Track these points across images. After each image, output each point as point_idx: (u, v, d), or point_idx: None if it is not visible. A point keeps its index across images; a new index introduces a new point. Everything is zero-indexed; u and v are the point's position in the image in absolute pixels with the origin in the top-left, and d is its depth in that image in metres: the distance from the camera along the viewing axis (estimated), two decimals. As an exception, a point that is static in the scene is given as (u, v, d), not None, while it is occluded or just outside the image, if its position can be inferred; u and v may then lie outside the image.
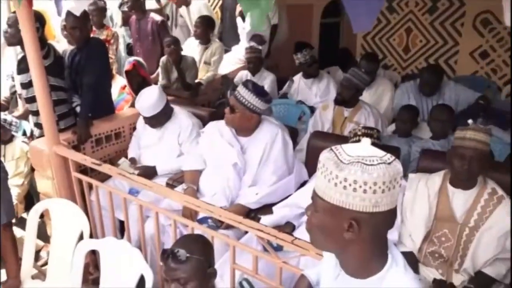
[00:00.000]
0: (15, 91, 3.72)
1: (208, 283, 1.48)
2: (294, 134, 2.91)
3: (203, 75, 4.08)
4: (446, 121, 2.81)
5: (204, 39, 4.24)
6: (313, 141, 2.74)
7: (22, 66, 2.90)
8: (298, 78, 4.15)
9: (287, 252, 2.06)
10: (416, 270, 2.05)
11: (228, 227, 2.25)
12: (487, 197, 1.96)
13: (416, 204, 2.09)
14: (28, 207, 3.34)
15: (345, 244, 1.02)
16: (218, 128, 2.63)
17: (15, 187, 3.24)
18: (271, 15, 4.89)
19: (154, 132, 3.00)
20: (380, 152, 1.01)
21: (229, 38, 4.98)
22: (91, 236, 2.32)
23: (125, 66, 3.59)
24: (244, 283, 1.99)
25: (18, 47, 3.07)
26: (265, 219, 2.32)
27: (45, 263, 3.03)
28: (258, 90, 2.48)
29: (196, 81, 3.98)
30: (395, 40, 4.89)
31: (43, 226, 3.04)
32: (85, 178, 2.59)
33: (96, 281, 2.23)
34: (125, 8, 4.54)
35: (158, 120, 2.93)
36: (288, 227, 2.31)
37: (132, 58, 3.65)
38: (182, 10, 4.97)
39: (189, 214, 2.37)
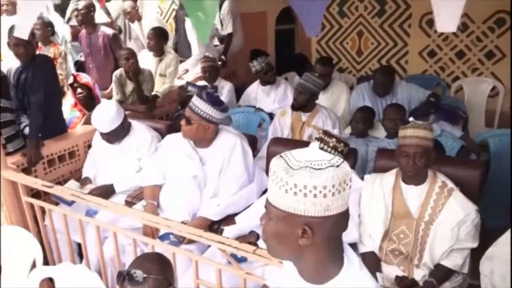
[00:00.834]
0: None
1: (169, 302, 1.44)
2: (254, 142, 2.91)
3: (159, 87, 4.02)
4: (398, 120, 2.90)
5: (158, 51, 4.20)
6: (272, 148, 2.74)
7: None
8: (255, 85, 4.18)
9: (252, 263, 2.05)
10: (378, 269, 2.09)
11: (192, 241, 2.21)
12: (438, 190, 2.03)
13: (373, 204, 2.14)
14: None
15: (301, 250, 1.02)
16: (176, 141, 2.61)
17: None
18: (226, 24, 4.91)
19: (111, 148, 2.92)
20: (329, 156, 1.03)
21: (185, 48, 4.95)
22: (47, 263, 2.22)
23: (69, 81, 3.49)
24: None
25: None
26: (229, 230, 2.31)
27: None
28: (213, 100, 2.47)
29: (153, 93, 3.91)
30: (348, 43, 5.03)
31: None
32: (36, 202, 2.48)
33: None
34: (74, 23, 4.41)
35: (116, 135, 2.86)
36: (252, 236, 2.30)
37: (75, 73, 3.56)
38: (134, 25, 4.90)
39: (150, 231, 2.33)
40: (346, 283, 1.04)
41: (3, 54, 3.95)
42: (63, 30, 4.80)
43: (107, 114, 2.78)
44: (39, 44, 4.02)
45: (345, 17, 4.93)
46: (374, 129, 3.25)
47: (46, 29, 4.07)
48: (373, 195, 2.16)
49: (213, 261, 1.91)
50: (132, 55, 3.70)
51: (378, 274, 2.04)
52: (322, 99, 3.67)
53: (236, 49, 5.03)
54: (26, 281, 1.98)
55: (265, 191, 2.58)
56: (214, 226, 2.41)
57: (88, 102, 3.32)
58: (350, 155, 2.44)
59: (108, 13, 5.23)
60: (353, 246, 2.18)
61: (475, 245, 2.01)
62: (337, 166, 0.99)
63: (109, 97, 3.86)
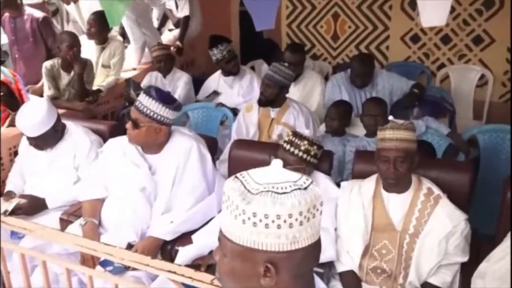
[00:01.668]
0: None
1: None
2: (213, 145, 2.84)
3: (101, 80, 3.89)
4: (379, 116, 2.89)
5: (100, 38, 4.05)
6: (235, 152, 2.69)
7: None
8: (217, 76, 4.11)
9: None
10: (359, 290, 2.07)
11: (140, 266, 2.12)
12: (424, 198, 2.03)
13: (351, 215, 2.12)
14: None
15: None
16: (120, 146, 2.52)
17: None
18: (182, 5, 4.80)
19: (42, 155, 2.79)
20: (294, 176, 0.98)
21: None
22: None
23: None
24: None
25: None
26: (185, 251, 2.26)
27: None
28: (163, 97, 2.40)
29: (95, 88, 3.77)
30: (322, 27, 5.01)
31: None
32: None
33: None
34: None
35: (47, 140, 2.74)
36: (212, 258, 2.21)
37: None
38: (71, 7, 4.70)
39: (90, 256, 2.22)
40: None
41: None
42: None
43: (35, 115, 2.64)
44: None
45: (319, -4, 4.91)
46: (352, 126, 3.24)
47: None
48: (350, 205, 2.14)
49: (165, 291, 1.83)
50: (75, 41, 3.57)
51: (358, 296, 2.02)
52: (293, 91, 3.63)
53: (193, 34, 4.94)
54: None
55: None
56: (167, 247, 2.34)
57: (9, 101, 3.14)
58: (325, 159, 2.42)
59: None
60: (330, 264, 2.15)
61: (465, 259, 2.02)
62: (305, 188, 0.94)
63: (41, 93, 3.69)
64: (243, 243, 0.94)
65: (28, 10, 3.92)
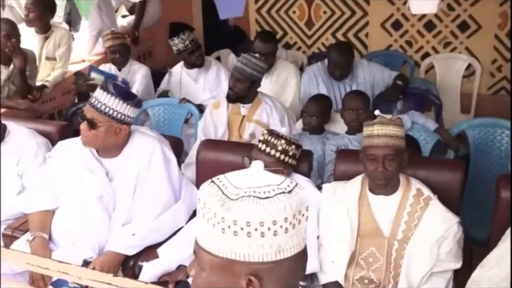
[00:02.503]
0: None
1: None
2: (179, 146, 2.84)
3: (46, 74, 3.82)
4: (361, 110, 2.95)
5: (41, 25, 3.98)
6: (203, 153, 2.70)
7: None
8: (179, 69, 4.10)
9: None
10: (344, 303, 2.11)
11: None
12: (413, 200, 2.08)
13: (334, 221, 2.15)
14: None
15: None
16: (72, 149, 2.49)
17: None
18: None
19: (-21, 162, 2.70)
20: (276, 178, 1.00)
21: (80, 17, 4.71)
22: None
23: None
24: None
25: None
26: (149, 267, 2.26)
27: None
28: (122, 93, 2.39)
29: (39, 83, 3.70)
30: (295, 12, 5.05)
31: None
32: None
33: None
34: None
35: (-17, 144, 2.67)
36: (181, 273, 2.25)
37: None
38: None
39: (40, 276, 2.21)
40: None
41: None
42: None
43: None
44: None
45: (290, -22, 4.96)
46: (332, 122, 3.29)
47: None
48: (334, 210, 2.18)
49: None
50: (13, 29, 3.50)
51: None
52: (265, 85, 3.65)
53: (151, 21, 4.93)
54: None
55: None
56: (130, 263, 2.33)
57: None
58: (303, 160, 2.45)
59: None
60: (312, 276, 2.18)
61: (458, 265, 2.08)
62: (289, 192, 0.96)
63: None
64: (223, 255, 0.95)
65: None
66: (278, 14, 5.11)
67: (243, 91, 3.12)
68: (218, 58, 4.66)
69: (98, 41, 4.39)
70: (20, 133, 2.78)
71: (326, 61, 3.75)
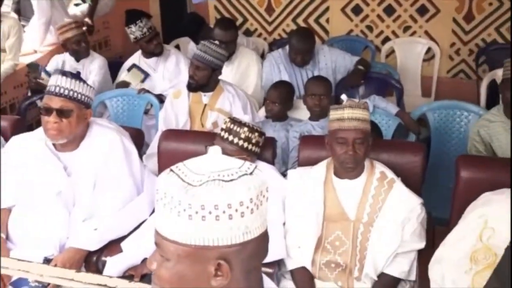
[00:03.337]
0: None
1: None
2: (140, 137, 2.82)
3: (-4, 67, 3.72)
4: (324, 95, 2.99)
5: (-12, 15, 3.86)
6: (165, 144, 2.69)
7: None
8: (136, 58, 4.06)
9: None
10: (312, 288, 2.15)
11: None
12: (377, 183, 2.15)
13: (300, 206, 2.19)
14: None
15: None
16: (26, 144, 2.46)
17: None
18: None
19: None
20: (236, 162, 1.02)
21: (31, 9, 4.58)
22: None
23: None
24: None
25: None
26: (114, 262, 2.25)
27: None
28: (76, 75, 2.43)
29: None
30: (254, -2, 5.05)
31: None
32: None
33: None
34: None
35: None
36: (146, 267, 2.21)
37: None
38: None
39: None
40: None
41: None
42: None
43: None
44: None
45: (247, -37, 4.95)
46: (295, 109, 3.33)
47: None
48: (299, 195, 2.22)
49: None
50: None
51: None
52: (226, 73, 3.65)
53: (105, 9, 4.87)
54: None
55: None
56: (93, 258, 2.32)
57: None
58: (267, 147, 2.48)
59: None
60: (279, 263, 2.21)
61: (422, 245, 2.15)
62: (251, 173, 0.99)
63: None
64: (191, 242, 0.95)
65: None
66: (237, 0, 5.10)
67: (203, 79, 3.12)
68: (177, 47, 4.63)
69: (50, 31, 4.28)
70: (-30, 129, 2.72)
71: (287, 47, 3.77)
